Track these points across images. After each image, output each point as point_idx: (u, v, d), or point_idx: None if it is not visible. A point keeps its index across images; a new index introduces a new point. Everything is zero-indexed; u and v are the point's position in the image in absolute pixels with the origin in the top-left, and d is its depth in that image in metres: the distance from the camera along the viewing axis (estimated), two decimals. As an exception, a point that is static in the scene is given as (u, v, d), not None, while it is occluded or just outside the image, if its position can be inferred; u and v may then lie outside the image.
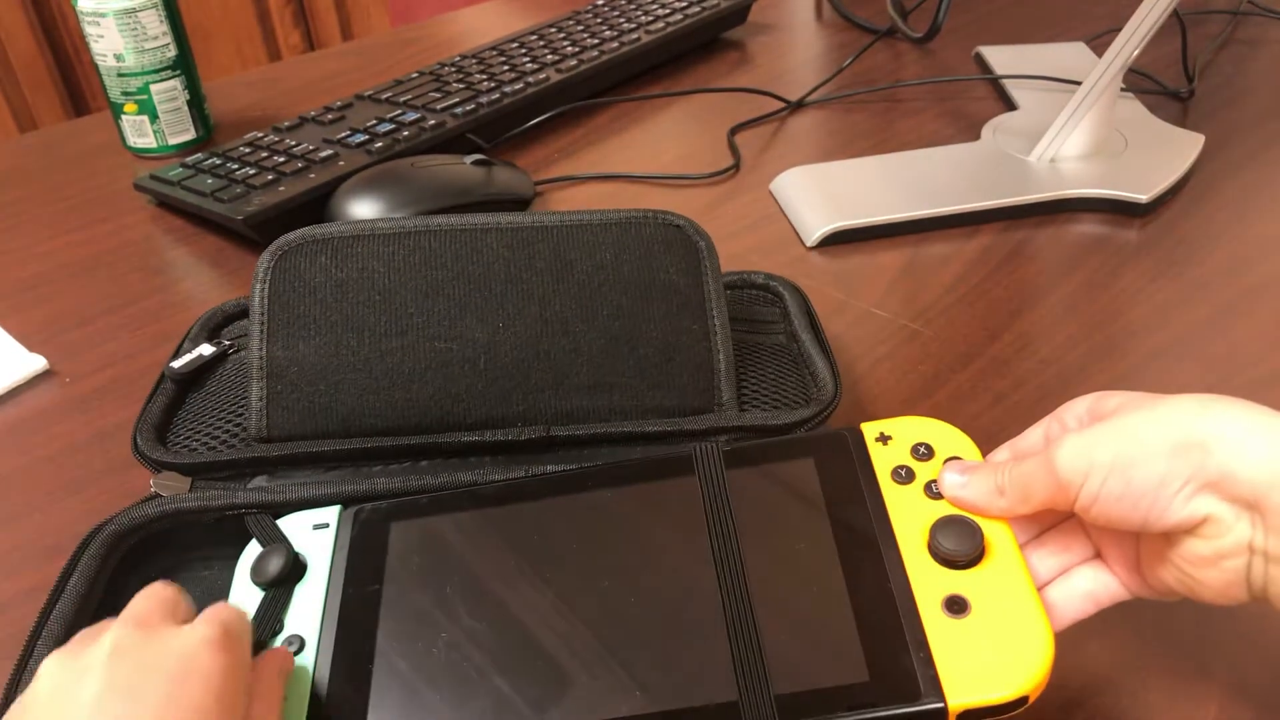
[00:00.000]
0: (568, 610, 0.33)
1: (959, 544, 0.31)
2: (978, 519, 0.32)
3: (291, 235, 0.44)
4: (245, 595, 0.36)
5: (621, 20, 0.88)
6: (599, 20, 0.88)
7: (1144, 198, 0.64)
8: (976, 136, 0.72)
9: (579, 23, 0.88)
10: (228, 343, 0.50)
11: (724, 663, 0.31)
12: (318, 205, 0.65)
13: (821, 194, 0.66)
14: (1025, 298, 0.58)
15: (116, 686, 0.27)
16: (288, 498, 0.40)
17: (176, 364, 0.48)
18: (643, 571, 0.34)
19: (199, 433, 0.45)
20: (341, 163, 0.67)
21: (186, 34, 0.75)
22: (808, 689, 0.30)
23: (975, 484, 0.33)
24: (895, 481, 0.34)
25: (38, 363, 0.54)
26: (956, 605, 0.30)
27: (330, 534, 0.37)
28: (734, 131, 0.77)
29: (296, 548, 0.37)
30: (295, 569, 0.36)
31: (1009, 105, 0.78)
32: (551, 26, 0.88)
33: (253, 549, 0.38)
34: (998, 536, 0.32)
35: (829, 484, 0.34)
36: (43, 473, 0.48)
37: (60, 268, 0.64)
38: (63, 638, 0.35)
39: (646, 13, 0.89)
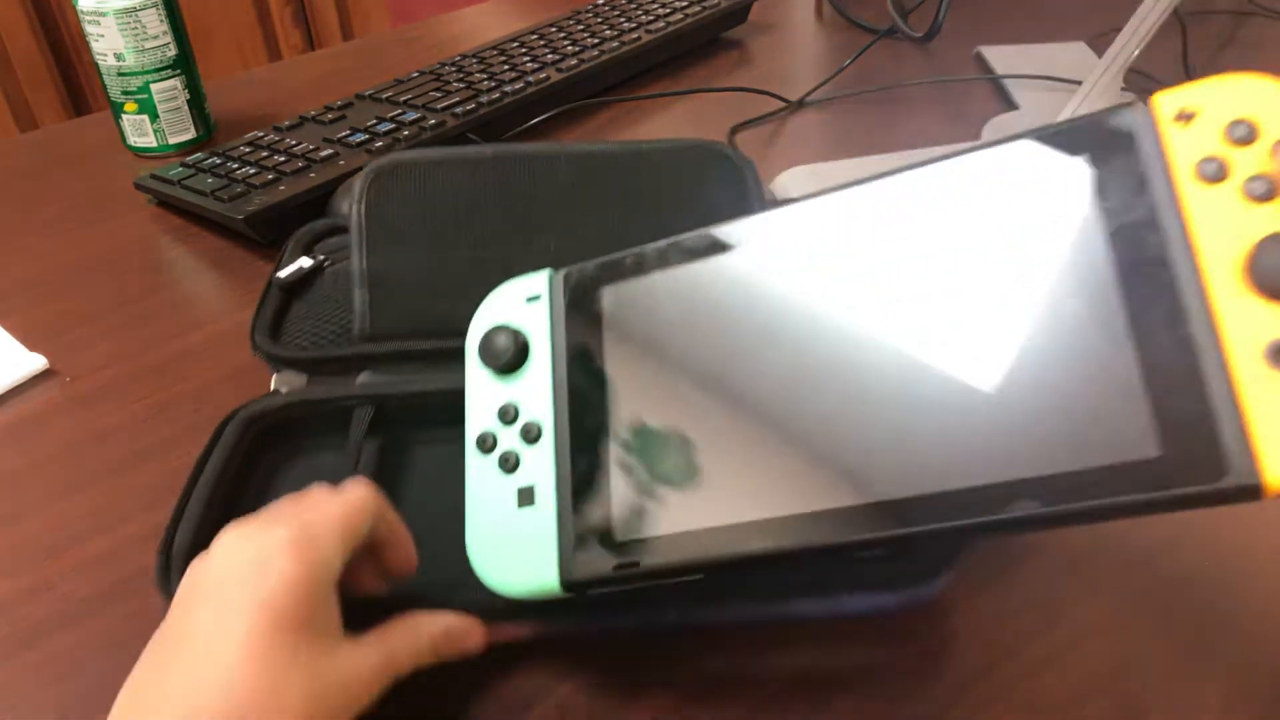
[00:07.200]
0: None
1: None
2: None
3: (383, 160, 0.48)
4: (478, 381, 0.35)
5: (622, 20, 0.88)
6: (599, 20, 0.88)
7: (1144, 198, 0.64)
8: (977, 136, 0.72)
9: (579, 22, 0.88)
10: (322, 257, 0.55)
11: (975, 440, 0.25)
12: (318, 204, 0.65)
13: (822, 194, 0.66)
14: (1026, 297, 0.58)
15: (215, 579, 0.31)
16: (396, 390, 0.45)
17: (282, 274, 0.53)
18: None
19: (306, 333, 0.50)
20: (342, 162, 0.67)
21: (187, 33, 0.75)
22: (1078, 469, 0.24)
23: None
24: (1201, 180, 0.24)
25: (38, 362, 0.54)
26: None
27: (544, 305, 0.35)
28: (734, 131, 0.77)
29: (515, 324, 0.35)
30: (521, 349, 0.35)
31: (1009, 105, 0.78)
32: (552, 26, 0.88)
33: (474, 332, 0.36)
34: None
35: (1103, 186, 0.26)
36: (43, 472, 0.48)
37: (60, 267, 0.64)
38: (208, 498, 0.41)
39: (647, 12, 0.89)
